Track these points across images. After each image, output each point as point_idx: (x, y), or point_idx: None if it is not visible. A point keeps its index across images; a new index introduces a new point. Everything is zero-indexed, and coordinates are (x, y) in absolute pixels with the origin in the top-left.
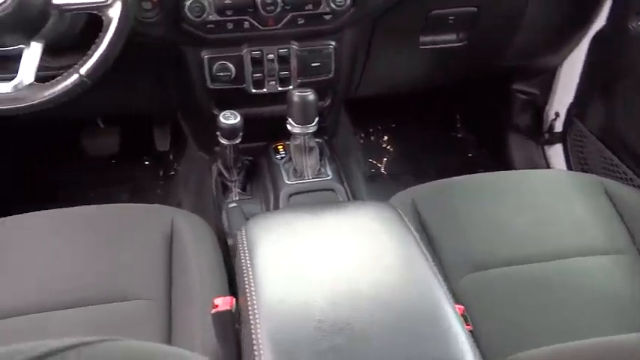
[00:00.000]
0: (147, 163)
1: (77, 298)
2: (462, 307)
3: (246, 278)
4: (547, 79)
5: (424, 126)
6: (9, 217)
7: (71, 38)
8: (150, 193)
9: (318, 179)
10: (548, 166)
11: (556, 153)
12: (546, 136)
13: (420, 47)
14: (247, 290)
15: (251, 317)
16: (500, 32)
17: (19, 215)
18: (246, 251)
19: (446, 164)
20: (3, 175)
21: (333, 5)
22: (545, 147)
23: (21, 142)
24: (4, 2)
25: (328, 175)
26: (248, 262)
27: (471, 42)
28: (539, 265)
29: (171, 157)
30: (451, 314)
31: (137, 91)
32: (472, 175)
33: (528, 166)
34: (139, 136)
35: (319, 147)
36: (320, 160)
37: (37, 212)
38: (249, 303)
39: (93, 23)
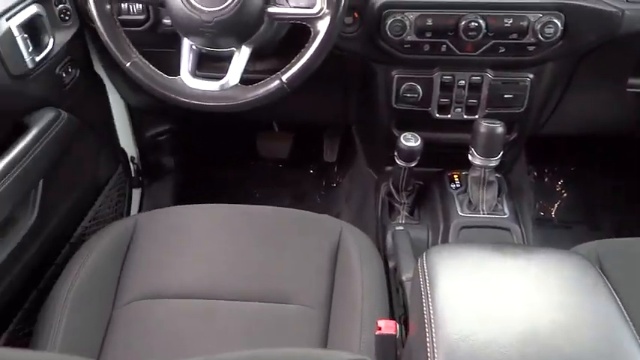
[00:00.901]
0: (312, 171)
1: (243, 292)
2: None
3: (425, 308)
4: None
5: (608, 174)
6: (189, 206)
7: (272, 45)
8: (310, 201)
9: (494, 216)
10: None
11: None
12: None
13: (627, 90)
14: (425, 320)
15: (428, 349)
16: None
17: (197, 205)
18: (427, 280)
19: (628, 219)
20: (182, 169)
21: (540, 36)
22: None
23: (200, 139)
24: (227, 6)
25: (505, 214)
26: (428, 291)
27: None
28: None
29: (335, 169)
30: None
31: (318, 101)
32: None
33: None
34: (309, 145)
35: (498, 182)
36: (497, 197)
37: (213, 205)
38: (426, 333)
39: (294, 32)
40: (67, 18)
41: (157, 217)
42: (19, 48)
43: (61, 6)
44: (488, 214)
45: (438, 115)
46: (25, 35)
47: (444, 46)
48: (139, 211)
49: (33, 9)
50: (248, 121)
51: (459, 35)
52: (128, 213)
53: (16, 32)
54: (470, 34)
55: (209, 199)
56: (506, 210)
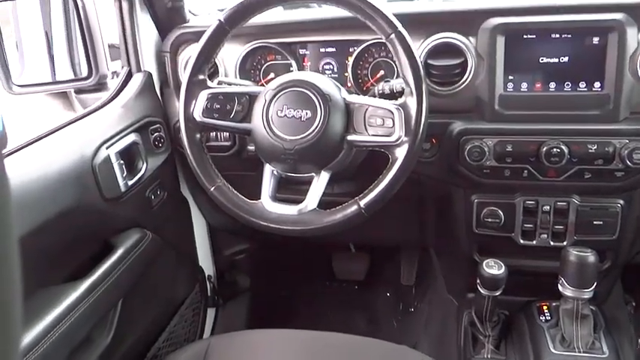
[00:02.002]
0: (388, 294)
1: None
2: None
3: None
4: None
5: None
6: (262, 330)
7: (350, 169)
8: (386, 326)
9: (592, 355)
10: None
11: None
12: None
13: None
14: None
15: None
16: None
17: (270, 330)
18: None
19: None
20: (257, 288)
21: (628, 162)
22: None
23: (276, 258)
24: (308, 135)
25: (604, 353)
26: None
27: None
28: None
29: (413, 292)
30: None
31: (395, 223)
32: None
33: None
34: (386, 266)
35: (593, 315)
36: (593, 332)
37: (286, 330)
38: None
39: (372, 156)
40: (160, 145)
41: (229, 341)
42: (114, 173)
43: (156, 134)
44: (584, 352)
45: (522, 241)
46: (121, 161)
47: (526, 171)
48: (213, 331)
49: (131, 137)
50: (324, 242)
51: (541, 161)
52: (202, 333)
53: (113, 159)
54: (552, 159)
55: (283, 320)
56: (604, 348)
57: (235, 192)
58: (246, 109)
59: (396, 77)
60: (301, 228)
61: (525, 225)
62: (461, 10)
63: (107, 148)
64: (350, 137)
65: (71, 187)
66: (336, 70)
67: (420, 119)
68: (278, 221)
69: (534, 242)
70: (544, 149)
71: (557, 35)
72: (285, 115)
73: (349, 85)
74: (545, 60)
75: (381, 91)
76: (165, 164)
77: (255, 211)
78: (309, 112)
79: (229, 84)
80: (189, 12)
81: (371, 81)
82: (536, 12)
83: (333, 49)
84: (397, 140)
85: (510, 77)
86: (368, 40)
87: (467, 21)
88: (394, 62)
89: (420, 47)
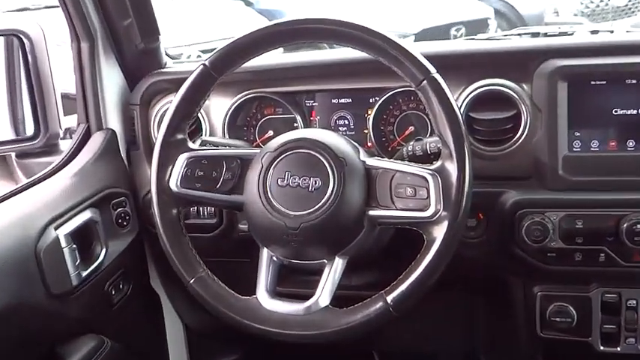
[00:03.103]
0: None
1: None
2: None
3: None
4: None
5: None
6: None
7: (373, 253)
8: None
9: None
10: None
11: None
12: None
13: None
14: None
15: None
16: None
17: None
18: None
19: None
20: None
21: None
22: None
23: None
24: (317, 210)
25: None
26: None
27: None
28: None
29: None
30: None
31: (433, 324)
32: None
33: None
34: None
35: None
36: None
37: None
38: None
39: (401, 236)
40: (125, 224)
41: None
42: (64, 261)
43: (119, 210)
44: None
45: (602, 348)
46: (74, 246)
47: (603, 254)
48: None
49: (87, 214)
50: (339, 350)
51: (622, 240)
52: None
53: (63, 242)
54: (636, 239)
55: None
56: None
57: (222, 285)
58: (236, 177)
59: (430, 135)
60: (310, 332)
61: (605, 326)
62: (511, 50)
63: (56, 228)
64: (372, 212)
65: (9, 279)
66: (352, 126)
67: (462, 188)
68: (279, 324)
69: (618, 349)
70: (625, 225)
71: (634, 81)
72: (288, 185)
73: (370, 144)
74: (620, 112)
75: (411, 153)
76: (131, 249)
77: (249, 309)
78: (318, 180)
79: (215, 145)
80: (166, 55)
81: (398, 140)
82: (605, 52)
83: (349, 100)
84: (434, 216)
85: (577, 134)
86: (393, 89)
87: (519, 63)
88: (427, 116)
89: (460, 97)
